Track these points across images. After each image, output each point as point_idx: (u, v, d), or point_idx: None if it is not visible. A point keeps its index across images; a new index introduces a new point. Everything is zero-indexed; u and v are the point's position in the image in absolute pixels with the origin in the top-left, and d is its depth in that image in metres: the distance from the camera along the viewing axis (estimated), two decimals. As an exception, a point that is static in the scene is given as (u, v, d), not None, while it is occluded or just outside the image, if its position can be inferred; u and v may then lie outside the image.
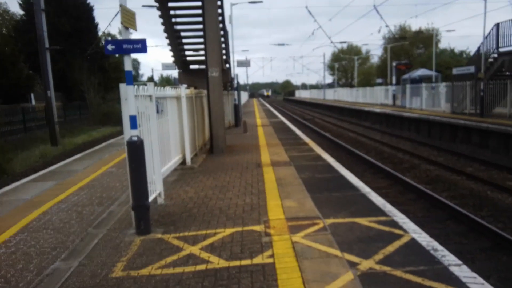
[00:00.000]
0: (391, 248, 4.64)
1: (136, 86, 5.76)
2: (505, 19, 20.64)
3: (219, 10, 13.36)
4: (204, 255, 4.60)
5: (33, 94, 35.99)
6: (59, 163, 11.54)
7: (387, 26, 40.07)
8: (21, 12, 33.96)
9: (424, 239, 4.90)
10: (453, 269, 4.10)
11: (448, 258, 4.36)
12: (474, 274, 4.01)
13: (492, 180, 10.41)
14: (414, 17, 51.51)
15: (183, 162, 9.89)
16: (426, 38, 50.64)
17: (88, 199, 7.23)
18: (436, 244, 4.73)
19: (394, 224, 5.42)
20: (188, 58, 18.33)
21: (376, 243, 4.77)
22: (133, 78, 5.47)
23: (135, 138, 5.20)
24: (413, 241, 4.82)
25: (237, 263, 4.37)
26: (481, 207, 8.63)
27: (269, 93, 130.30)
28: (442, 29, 62.20)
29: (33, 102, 34.23)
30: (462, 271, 4.06)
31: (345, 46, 71.23)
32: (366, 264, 4.25)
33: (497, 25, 20.49)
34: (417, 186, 9.96)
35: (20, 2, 33.10)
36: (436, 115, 22.03)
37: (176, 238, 5.16)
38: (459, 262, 4.28)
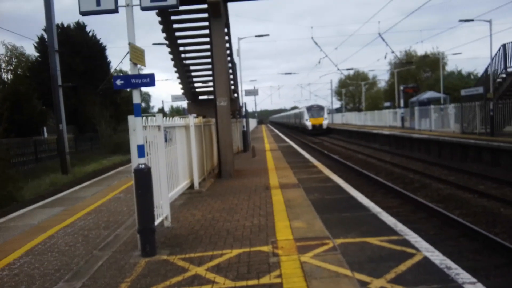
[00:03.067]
0: (403, 267, 4.48)
1: (145, 118, 5.93)
2: (511, 40, 20.73)
3: (227, 45, 13.79)
4: (210, 275, 4.49)
5: (46, 128, 36.99)
6: (68, 190, 11.59)
7: (393, 52, 40.67)
8: (36, 54, 35.42)
9: (437, 257, 4.74)
10: (468, 287, 3.93)
11: (462, 276, 4.20)
12: (490, 292, 3.84)
13: (505, 197, 10.16)
14: (420, 43, 51.99)
15: (191, 186, 9.89)
16: (433, 61, 50.90)
17: (95, 223, 7.19)
18: (449, 262, 4.56)
19: (406, 243, 5.26)
20: (197, 90, 18.83)
21: (387, 263, 4.62)
22: (144, 110, 5.61)
23: (142, 166, 5.29)
24: (425, 260, 4.65)
25: (243, 283, 4.25)
26: (494, 224, 8.39)
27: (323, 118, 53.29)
28: (448, 53, 62.61)
29: (46, 135, 35.10)
30: (478, 289, 3.89)
31: (351, 72, 71.91)
32: (377, 283, 4.09)
33: (504, 46, 20.54)
34: (428, 204, 9.75)
35: (35, 45, 34.50)
36: (446, 136, 21.82)
37: (181, 259, 5.06)
38: (474, 280, 4.10)
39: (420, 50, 72.84)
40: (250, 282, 4.25)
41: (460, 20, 28.20)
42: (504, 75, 20.74)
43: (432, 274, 4.25)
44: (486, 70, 22.87)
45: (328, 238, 5.57)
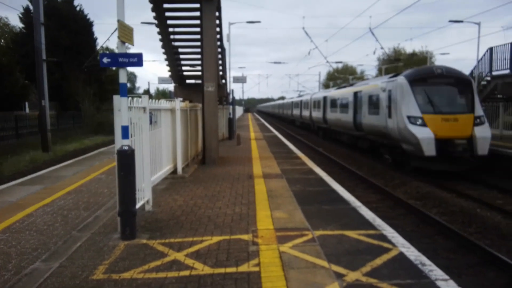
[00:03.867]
0: (379, 261, 4.58)
1: (130, 98, 5.86)
2: (498, 44, 20.96)
3: (217, 29, 13.62)
4: (189, 261, 4.51)
5: (28, 103, 36.23)
6: (49, 168, 11.41)
7: (382, 48, 40.77)
8: (21, 25, 34.39)
9: (412, 253, 4.85)
10: (440, 283, 4.05)
11: (435, 273, 4.31)
12: (461, 289, 3.96)
13: (479, 197, 10.43)
14: (409, 40, 52.25)
15: (174, 171, 9.85)
16: (420, 60, 51.38)
17: (75, 203, 7.12)
18: (424, 259, 4.68)
19: (383, 237, 5.37)
20: (185, 73, 18.62)
21: (364, 256, 4.71)
22: (129, 91, 5.54)
23: (126, 147, 5.25)
24: (401, 255, 4.76)
25: (222, 270, 4.29)
26: (470, 223, 8.61)
27: None
28: (436, 52, 63.28)
29: (27, 110, 34.38)
30: (449, 286, 4.01)
31: (340, 66, 72.02)
32: (352, 276, 4.18)
33: (491, 49, 20.84)
34: (407, 201, 9.95)
35: (20, 16, 33.47)
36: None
37: (161, 244, 5.07)
38: (446, 277, 4.23)
39: (409, 47, 73.48)
40: (229, 270, 4.30)
41: (450, 21, 28.49)
42: (489, 78, 21.08)
43: (406, 269, 4.36)
44: (472, 72, 23.20)
45: (307, 229, 5.64)
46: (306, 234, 5.45)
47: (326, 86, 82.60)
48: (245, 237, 5.33)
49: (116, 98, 5.42)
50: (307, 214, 6.39)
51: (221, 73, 18.94)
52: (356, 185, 12.56)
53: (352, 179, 13.53)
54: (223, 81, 21.08)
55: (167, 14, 13.89)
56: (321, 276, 4.15)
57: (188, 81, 19.14)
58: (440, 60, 56.07)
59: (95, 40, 38.89)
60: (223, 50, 19.28)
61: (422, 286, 3.99)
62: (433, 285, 4.00)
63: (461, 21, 27.71)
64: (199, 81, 15.91)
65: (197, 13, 12.58)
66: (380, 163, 16.50)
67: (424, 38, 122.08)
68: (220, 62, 17.80)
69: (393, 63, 49.56)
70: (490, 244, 7.35)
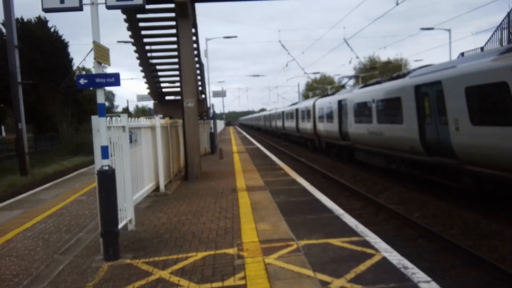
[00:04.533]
0: (362, 267, 4.65)
1: (109, 118, 5.86)
2: (469, 49, 21.52)
3: (194, 45, 13.74)
4: (174, 279, 4.49)
5: (4, 126, 35.46)
6: (28, 192, 11.18)
7: (357, 57, 41.66)
8: None
9: (395, 257, 4.94)
10: (423, 285, 4.13)
11: (418, 275, 4.40)
12: (443, 290, 4.04)
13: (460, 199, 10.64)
14: (383, 48, 53.60)
15: (157, 189, 9.79)
16: (395, 67, 52.71)
17: (56, 226, 6.99)
18: (406, 262, 4.77)
19: (366, 244, 5.44)
20: (164, 90, 18.58)
21: (348, 263, 4.77)
22: (108, 110, 5.56)
23: (106, 168, 5.23)
24: (384, 260, 4.84)
25: (208, 286, 4.28)
26: (452, 225, 8.77)
27: None
28: (410, 59, 64.87)
29: (4, 134, 33.66)
30: None
31: (318, 76, 73.08)
32: (337, 283, 4.23)
33: (462, 54, 21.45)
34: (389, 207, 10.10)
35: None
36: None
37: (145, 263, 5.02)
38: (428, 279, 4.31)
39: (384, 56, 75.12)
40: (215, 285, 4.29)
41: (422, 28, 29.41)
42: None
43: (389, 274, 4.43)
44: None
45: (292, 239, 5.68)
46: (291, 244, 5.48)
47: (305, 96, 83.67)
48: (230, 251, 5.33)
49: (95, 118, 5.41)
50: (292, 225, 6.43)
51: (200, 88, 18.99)
52: (339, 193, 12.69)
53: (335, 188, 13.67)
54: (203, 96, 21.13)
55: (143, 32, 13.94)
56: (306, 285, 4.18)
57: (167, 97, 19.09)
58: (414, 66, 57.52)
59: (71, 60, 38.76)
60: (202, 65, 19.39)
61: (405, 289, 4.06)
62: (416, 288, 4.08)
63: (432, 28, 28.60)
64: (178, 97, 15.93)
65: (173, 31, 12.67)
66: (360, 170, 16.70)
67: (398, 46, 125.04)
68: (199, 77, 17.86)
69: (369, 71, 50.66)
70: (472, 245, 7.51)
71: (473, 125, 9.34)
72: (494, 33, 16.98)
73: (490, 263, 6.44)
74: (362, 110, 16.39)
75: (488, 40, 17.29)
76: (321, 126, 23.24)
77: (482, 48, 15.46)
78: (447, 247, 7.42)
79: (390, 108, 13.82)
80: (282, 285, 4.19)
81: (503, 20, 16.30)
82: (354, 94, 17.69)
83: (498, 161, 8.59)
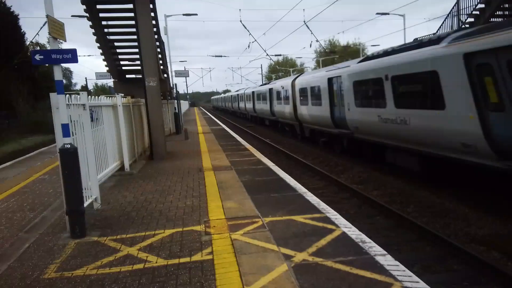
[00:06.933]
0: (323, 241, 4.92)
1: (68, 96, 5.78)
2: (423, 35, 22.14)
3: (154, 22, 13.39)
4: (142, 255, 4.59)
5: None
6: (-15, 171, 10.79)
7: (317, 41, 42.08)
8: None
9: (353, 232, 5.24)
10: (379, 258, 4.44)
11: (374, 249, 4.71)
12: (397, 263, 4.36)
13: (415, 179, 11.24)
14: (342, 33, 54.62)
15: (122, 168, 9.74)
16: (354, 51, 54.04)
17: (19, 205, 6.87)
18: (364, 237, 5.08)
19: (327, 220, 5.73)
20: (124, 68, 18.05)
21: (310, 238, 5.03)
22: (66, 87, 5.45)
23: (68, 145, 5.19)
24: (343, 235, 5.14)
25: (175, 261, 4.41)
26: (408, 203, 9.29)
27: None
28: (368, 44, 66.49)
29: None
30: (387, 260, 4.40)
31: (280, 58, 73.29)
32: (300, 257, 4.47)
33: (416, 40, 22.13)
34: (349, 186, 10.53)
35: None
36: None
37: (113, 240, 5.09)
38: (384, 252, 4.64)
39: (343, 40, 76.31)
40: (182, 260, 4.43)
41: (377, 13, 29.74)
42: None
43: (348, 247, 4.72)
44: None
45: (258, 217, 5.89)
46: (256, 221, 5.69)
47: (268, 78, 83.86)
48: (197, 228, 5.47)
49: (53, 96, 5.34)
50: (257, 203, 6.64)
51: (162, 67, 18.63)
52: (303, 173, 13.04)
53: (299, 168, 14.02)
54: (165, 75, 20.75)
55: (99, 6, 13.34)
56: (271, 259, 4.40)
57: (128, 75, 18.56)
58: (371, 51, 59.11)
59: (23, 35, 36.68)
60: (162, 43, 18.86)
61: (362, 261, 4.36)
62: (372, 260, 4.38)
63: (388, 14, 29.02)
64: (139, 76, 15.58)
65: (131, 6, 12.23)
66: (323, 151, 17.14)
67: (356, 31, 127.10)
68: (160, 56, 17.48)
69: (329, 55, 51.53)
70: (426, 222, 8.01)
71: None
72: (445, 20, 17.66)
73: (442, 238, 6.90)
74: (369, 90, 12.91)
75: (440, 27, 17.98)
76: (304, 110, 19.24)
77: (434, 34, 15.91)
78: (403, 224, 7.87)
79: (419, 87, 10.24)
80: (248, 259, 4.39)
81: (453, 8, 16.96)
82: (354, 69, 13.64)
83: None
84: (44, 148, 16.30)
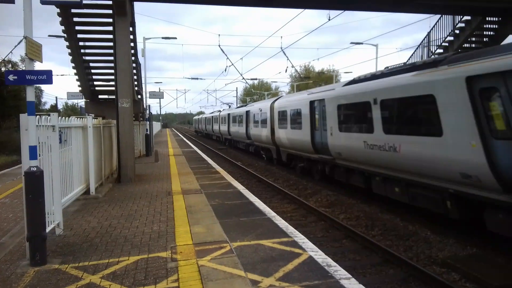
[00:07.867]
0: (290, 266, 4.94)
1: (38, 117, 5.69)
2: (393, 64, 23.13)
3: (132, 44, 13.48)
4: (105, 283, 4.46)
5: None
6: None
7: (293, 66, 43.10)
8: None
9: (320, 256, 5.30)
10: (343, 282, 4.50)
11: (339, 272, 4.77)
12: (361, 286, 4.44)
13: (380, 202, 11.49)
14: (316, 60, 56.33)
15: (87, 191, 9.50)
16: (328, 78, 55.90)
17: (-25, 232, 6.55)
18: (330, 261, 5.14)
19: (295, 244, 5.77)
20: (97, 88, 17.92)
21: (277, 262, 5.05)
22: (35, 107, 5.34)
23: (34, 169, 5.06)
24: (310, 259, 5.18)
25: (140, 289, 4.31)
26: (373, 226, 9.46)
27: None
28: (341, 71, 68.80)
29: None
30: (351, 284, 4.47)
31: (256, 82, 74.41)
32: (267, 282, 4.47)
33: (387, 68, 23.06)
34: (318, 209, 10.64)
35: None
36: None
37: (74, 268, 4.92)
38: (349, 275, 4.71)
39: (318, 66, 78.50)
40: (147, 288, 4.33)
41: (352, 43, 31.18)
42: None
43: (314, 272, 4.76)
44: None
45: (226, 241, 5.86)
46: (224, 246, 5.65)
47: (243, 101, 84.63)
48: (163, 254, 5.38)
49: (23, 117, 5.22)
50: (226, 227, 6.61)
51: (136, 88, 18.59)
52: (273, 196, 13.09)
53: (269, 191, 14.07)
54: (139, 96, 20.68)
55: (78, 28, 13.43)
56: (238, 285, 4.37)
57: (100, 96, 18.43)
58: (345, 78, 61.30)
59: (-5, 52, 35.77)
60: (138, 65, 18.96)
61: (327, 285, 4.40)
62: (337, 284, 4.44)
63: (361, 43, 30.38)
64: (112, 97, 15.48)
65: (110, 28, 12.36)
66: (292, 174, 17.30)
67: (331, 58, 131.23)
68: (135, 77, 17.49)
69: (304, 80, 52.93)
70: (390, 245, 8.17)
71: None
72: (415, 50, 18.55)
73: (405, 261, 7.06)
74: (355, 114, 12.03)
75: (411, 56, 18.84)
76: (283, 133, 18.40)
77: (404, 63, 16.39)
78: (368, 247, 8.00)
79: (413, 112, 9.37)
80: (214, 286, 4.35)
81: (424, 39, 17.87)
82: (339, 93, 12.85)
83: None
84: (6, 170, 15.70)
